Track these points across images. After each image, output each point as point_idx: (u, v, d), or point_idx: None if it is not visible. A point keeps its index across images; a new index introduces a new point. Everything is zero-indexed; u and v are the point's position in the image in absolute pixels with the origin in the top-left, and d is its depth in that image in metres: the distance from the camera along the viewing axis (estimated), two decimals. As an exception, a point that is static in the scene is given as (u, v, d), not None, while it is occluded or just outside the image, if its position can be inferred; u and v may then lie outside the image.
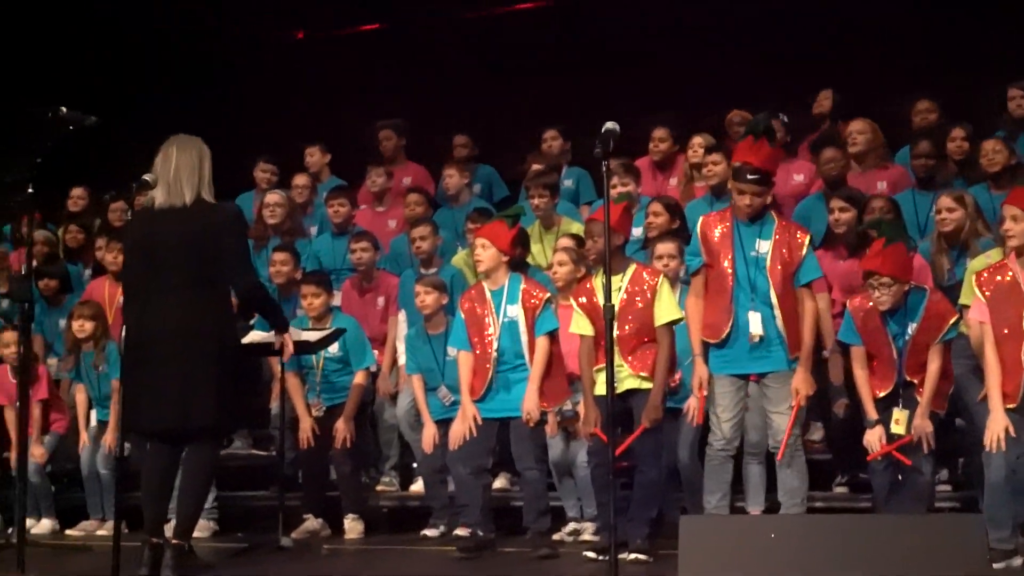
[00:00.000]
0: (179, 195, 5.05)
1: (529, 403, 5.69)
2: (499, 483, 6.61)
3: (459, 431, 5.84)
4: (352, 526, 6.63)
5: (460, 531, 6.18)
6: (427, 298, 6.36)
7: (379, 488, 7.07)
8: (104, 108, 5.69)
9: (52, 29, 10.58)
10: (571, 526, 6.20)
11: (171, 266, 5.00)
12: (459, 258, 7.23)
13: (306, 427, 6.62)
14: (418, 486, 7.05)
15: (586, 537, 6.07)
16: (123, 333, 5.01)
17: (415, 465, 7.28)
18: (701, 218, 5.61)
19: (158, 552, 4.98)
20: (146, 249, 5.04)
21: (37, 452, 7.01)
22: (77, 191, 8.88)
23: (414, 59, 10.62)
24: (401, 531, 6.79)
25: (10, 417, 7.06)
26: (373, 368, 6.85)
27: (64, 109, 5.15)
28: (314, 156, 8.54)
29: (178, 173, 5.06)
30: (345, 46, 11.26)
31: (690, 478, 5.78)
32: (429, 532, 6.49)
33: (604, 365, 4.86)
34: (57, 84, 9.35)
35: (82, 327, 7.00)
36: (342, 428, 6.54)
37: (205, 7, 10.92)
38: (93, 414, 7.14)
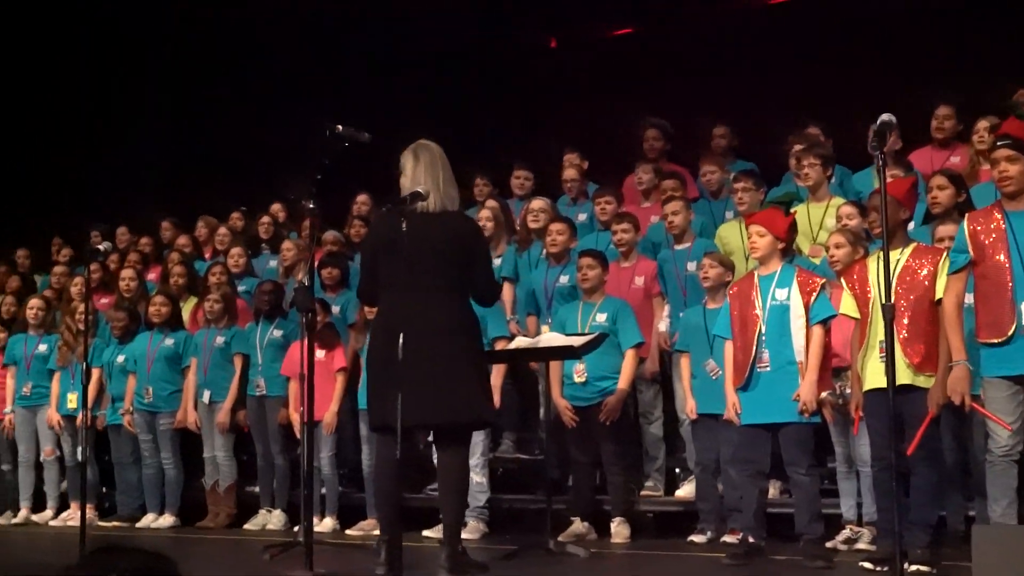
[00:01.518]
0: (438, 202, 5.19)
1: (807, 393, 5.52)
2: (770, 491, 6.46)
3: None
4: (618, 530, 6.65)
5: (729, 537, 6.10)
6: (711, 271, 6.36)
7: (643, 492, 7.06)
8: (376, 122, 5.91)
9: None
10: (845, 533, 6.02)
11: (429, 268, 5.12)
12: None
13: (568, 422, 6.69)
14: (683, 491, 7.03)
15: (862, 546, 5.88)
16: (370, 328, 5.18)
17: (678, 471, 7.27)
18: (967, 214, 5.29)
19: (394, 551, 5.07)
20: (399, 249, 5.10)
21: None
22: (362, 197, 9.32)
23: (668, 60, 10.57)
24: (667, 535, 6.76)
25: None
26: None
27: (340, 127, 5.36)
28: (573, 162, 8.61)
29: (437, 183, 5.22)
30: (598, 51, 11.32)
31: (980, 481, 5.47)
32: (696, 538, 6.43)
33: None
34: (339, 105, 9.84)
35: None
36: (611, 404, 6.55)
37: (461, 20, 11.23)
38: None
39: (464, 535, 6.56)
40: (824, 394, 5.64)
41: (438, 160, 5.29)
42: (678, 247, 7.24)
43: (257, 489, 8.08)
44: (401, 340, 4.90)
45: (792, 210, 6.05)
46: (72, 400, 8.50)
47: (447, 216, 5.24)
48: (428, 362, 5.01)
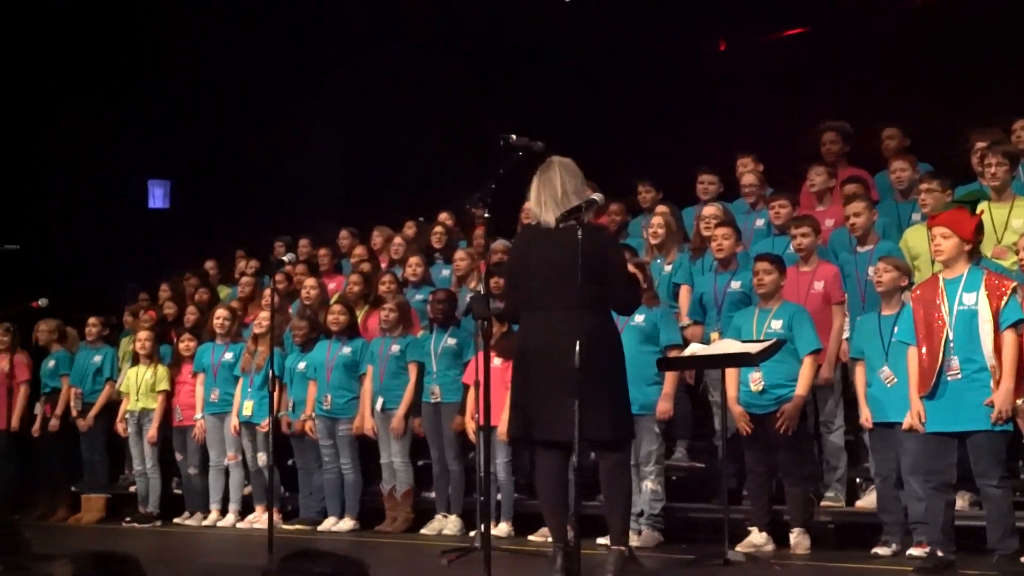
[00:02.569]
0: (564, 217, 5.18)
1: (1003, 401, 5.31)
2: (958, 504, 6.22)
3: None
4: (798, 541, 6.50)
5: (915, 550, 5.90)
6: (885, 276, 6.18)
7: (824, 503, 6.88)
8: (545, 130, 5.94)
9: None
10: (1042, 549, 5.74)
11: (564, 284, 5.17)
12: None
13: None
14: (864, 501, 6.83)
15: (1060, 562, 5.60)
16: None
17: (859, 480, 7.07)
18: None
19: (569, 558, 5.11)
20: (537, 265, 5.27)
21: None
22: (530, 204, 9.35)
23: (841, 60, 10.32)
24: (849, 547, 6.58)
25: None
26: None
27: (514, 136, 5.41)
28: (748, 167, 8.48)
29: (567, 195, 5.27)
30: (769, 52, 11.14)
31: None
32: (880, 550, 6.23)
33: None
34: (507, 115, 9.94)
35: None
36: (789, 412, 6.43)
37: (630, 27, 11.22)
38: None
39: (638, 543, 6.55)
40: (1020, 401, 5.40)
41: (557, 174, 5.33)
42: (860, 250, 7.05)
43: (433, 495, 8.21)
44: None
45: (978, 210, 5.82)
46: (248, 408, 8.80)
47: (573, 229, 5.16)
48: (557, 379, 5.06)
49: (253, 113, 13.08)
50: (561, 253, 5.17)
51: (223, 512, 9.10)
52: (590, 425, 5.04)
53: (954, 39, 9.89)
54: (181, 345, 9.50)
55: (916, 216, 7.43)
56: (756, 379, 6.54)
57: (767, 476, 6.65)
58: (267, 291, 9.14)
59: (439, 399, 8.00)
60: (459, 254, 8.95)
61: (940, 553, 5.47)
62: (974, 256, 5.71)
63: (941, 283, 5.57)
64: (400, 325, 8.34)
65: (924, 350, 5.55)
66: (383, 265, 9.84)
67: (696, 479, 7.61)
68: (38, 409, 10.01)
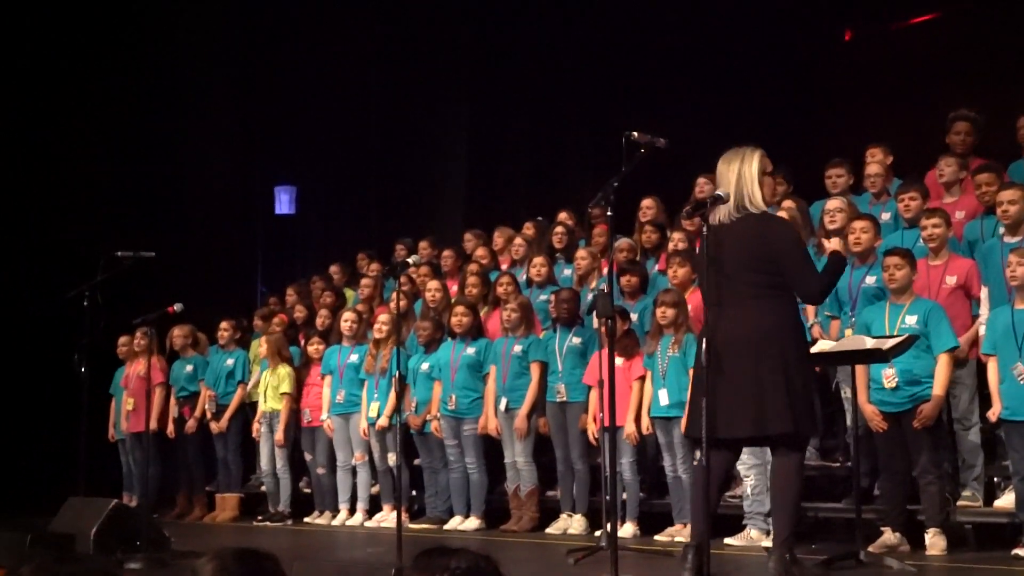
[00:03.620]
0: (738, 208, 5.21)
1: None
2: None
3: None
4: (934, 541, 6.33)
5: (1058, 552, 5.70)
6: (1019, 269, 5.99)
7: (960, 502, 6.68)
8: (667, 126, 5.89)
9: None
10: None
11: (738, 276, 5.14)
12: None
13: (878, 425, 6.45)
14: (1002, 501, 6.62)
15: None
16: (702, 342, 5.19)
17: (996, 479, 6.86)
18: None
19: (700, 556, 5.06)
20: (717, 262, 5.22)
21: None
22: (647, 201, 9.32)
23: (973, 47, 10.01)
24: (988, 548, 6.38)
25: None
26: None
27: (636, 133, 5.39)
28: (876, 157, 8.28)
29: (739, 187, 5.21)
30: (896, 41, 10.87)
31: None
32: (1021, 551, 6.04)
33: None
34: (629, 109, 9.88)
35: (664, 314, 7.37)
36: (927, 412, 6.28)
37: (752, 18, 11.07)
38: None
39: (765, 543, 6.46)
40: None
41: (734, 165, 5.27)
42: (1009, 239, 6.78)
43: (558, 494, 8.21)
44: (703, 349, 5.06)
45: None
46: (374, 409, 8.92)
47: (749, 220, 5.18)
48: (734, 374, 5.05)
49: (375, 116, 13.28)
50: (730, 245, 5.19)
51: (352, 511, 9.25)
52: (771, 418, 5.03)
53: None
54: (310, 348, 9.69)
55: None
56: (889, 376, 6.38)
57: (902, 475, 6.49)
58: (394, 293, 9.30)
59: (564, 398, 8.00)
60: (580, 253, 8.95)
61: (1087, 554, 5.28)
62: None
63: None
64: (522, 325, 8.37)
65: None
66: (503, 266, 9.89)
67: (827, 478, 7.47)
68: (175, 411, 10.30)
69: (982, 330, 6.66)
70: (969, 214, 7.51)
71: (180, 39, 12.70)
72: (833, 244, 5.54)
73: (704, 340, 5.19)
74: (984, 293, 6.81)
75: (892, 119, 9.77)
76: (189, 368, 10.35)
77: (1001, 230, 6.95)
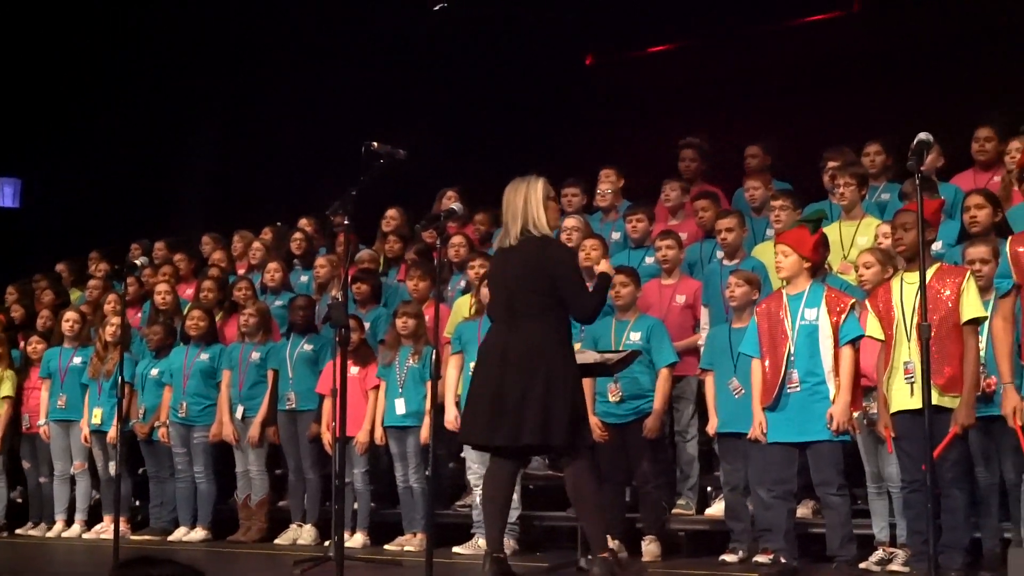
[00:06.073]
0: (507, 235, 5.49)
1: (840, 412, 5.50)
2: (801, 511, 6.42)
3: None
4: (649, 548, 6.62)
5: (761, 557, 6.06)
6: (737, 290, 6.34)
7: (675, 511, 7.02)
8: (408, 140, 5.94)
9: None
10: (879, 554, 5.96)
11: (519, 296, 5.39)
12: None
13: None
14: (713, 509, 6.98)
15: (896, 567, 5.82)
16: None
17: (710, 489, 7.23)
18: (1010, 237, 5.29)
19: (501, 566, 5.25)
20: (502, 280, 5.52)
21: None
22: (391, 212, 9.36)
23: (706, 77, 10.57)
24: (699, 554, 6.72)
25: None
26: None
27: (376, 144, 5.42)
28: (609, 178, 8.60)
29: (525, 212, 5.45)
30: (635, 69, 11.34)
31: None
32: (728, 557, 6.38)
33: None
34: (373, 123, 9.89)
35: (405, 324, 7.41)
36: (651, 427, 6.58)
37: (497, 39, 11.29)
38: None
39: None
40: (856, 414, 5.62)
41: (520, 191, 5.51)
42: (728, 263, 7.19)
43: (288, 504, 8.11)
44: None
45: (821, 228, 6.01)
46: (97, 415, 8.56)
47: (532, 243, 5.44)
48: (502, 385, 5.28)
49: (114, 111, 12.74)
50: (510, 267, 5.47)
51: (69, 522, 8.82)
52: (527, 430, 5.23)
53: (814, 64, 10.21)
54: (29, 348, 9.20)
55: (770, 232, 7.65)
56: (614, 389, 6.64)
57: (623, 484, 6.76)
58: (112, 296, 8.99)
59: (295, 406, 7.91)
60: (319, 261, 8.88)
61: (784, 560, 5.63)
62: (817, 273, 5.90)
63: (785, 298, 5.75)
64: (260, 331, 8.23)
65: (767, 363, 5.72)
66: (240, 271, 9.69)
67: (554, 488, 7.66)
68: None
69: (701, 345, 7.04)
70: (691, 237, 7.92)
71: None
72: (603, 266, 5.79)
73: (481, 352, 5.42)
74: (704, 313, 7.18)
75: (627, 142, 10.18)
76: None
77: (720, 254, 7.36)
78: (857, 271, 6.14)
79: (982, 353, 5.48)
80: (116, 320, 8.51)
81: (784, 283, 5.89)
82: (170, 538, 8.24)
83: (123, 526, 8.05)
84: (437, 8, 11.12)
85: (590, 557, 5.49)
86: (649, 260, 7.54)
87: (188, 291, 9.48)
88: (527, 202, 5.46)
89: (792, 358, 5.62)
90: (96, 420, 8.56)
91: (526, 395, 5.25)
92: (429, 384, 6.56)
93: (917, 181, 4.41)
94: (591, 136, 10.66)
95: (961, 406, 5.18)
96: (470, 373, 6.95)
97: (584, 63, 12.00)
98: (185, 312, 8.67)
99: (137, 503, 8.85)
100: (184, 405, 8.27)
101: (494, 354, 5.39)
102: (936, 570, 4.56)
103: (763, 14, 10.52)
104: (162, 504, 8.49)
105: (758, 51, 10.65)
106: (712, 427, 6.54)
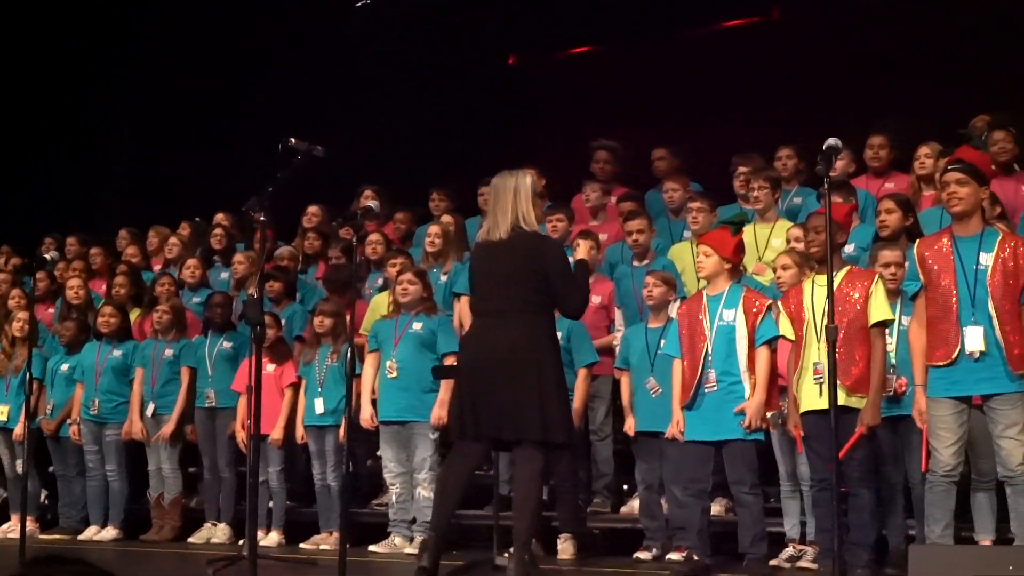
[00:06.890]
0: (496, 228, 5.40)
1: (753, 411, 5.59)
2: (715, 509, 6.51)
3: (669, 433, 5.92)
4: (565, 547, 6.66)
5: (674, 555, 6.13)
6: (655, 290, 6.40)
7: (591, 509, 7.07)
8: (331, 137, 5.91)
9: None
10: (789, 552, 6.07)
11: (507, 291, 5.33)
12: None
13: None
14: (629, 508, 7.05)
15: (805, 564, 5.93)
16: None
17: (625, 487, 7.30)
18: (917, 241, 5.43)
19: (437, 547, 5.23)
20: (489, 275, 5.42)
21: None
22: (313, 208, 9.30)
23: (628, 80, 10.66)
24: (614, 553, 6.78)
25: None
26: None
27: (293, 140, 5.38)
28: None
29: (515, 206, 5.38)
30: (558, 70, 11.39)
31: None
32: (642, 555, 6.45)
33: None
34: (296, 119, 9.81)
35: (322, 323, 7.36)
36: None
37: (419, 37, 11.27)
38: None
39: (411, 549, 6.59)
40: (769, 414, 5.71)
41: (505, 189, 5.43)
42: (638, 264, 7.27)
43: (202, 502, 8.01)
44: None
45: (742, 231, 6.12)
46: (3, 412, 8.39)
47: (523, 237, 5.37)
48: (491, 381, 5.25)
49: (29, 103, 12.46)
50: (497, 262, 5.38)
51: (-21, 522, 8.63)
52: (541, 428, 5.21)
53: (733, 69, 10.35)
54: (-68, 344, 8.98)
55: (687, 234, 7.75)
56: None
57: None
58: (16, 292, 8.81)
59: (214, 403, 7.83)
60: (238, 257, 8.78)
61: (696, 557, 5.71)
62: (736, 274, 6.00)
63: (704, 299, 5.84)
64: (174, 328, 8.12)
65: (686, 363, 5.79)
66: (156, 267, 9.56)
67: (473, 487, 7.67)
68: None
69: (616, 346, 7.10)
70: (612, 238, 7.98)
71: None
72: (581, 252, 5.77)
73: (468, 347, 5.42)
74: (618, 314, 7.25)
75: (547, 143, 10.22)
76: None
77: (631, 255, 7.43)
78: (775, 272, 6.24)
79: (893, 354, 5.62)
80: (23, 315, 8.34)
81: (704, 283, 5.97)
82: (80, 537, 8.10)
83: (31, 525, 7.91)
84: (360, 5, 11.04)
85: (508, 555, 5.49)
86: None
87: (103, 287, 9.32)
88: (517, 196, 5.40)
89: (709, 358, 5.70)
90: (2, 417, 8.38)
91: (524, 393, 5.21)
92: (348, 383, 6.51)
93: (826, 186, 4.50)
94: (513, 136, 10.68)
95: (867, 407, 5.31)
96: (386, 372, 7.00)
97: (507, 63, 12.03)
98: (98, 308, 8.53)
99: (47, 502, 8.68)
100: (96, 402, 8.14)
101: (484, 348, 5.32)
102: (842, 567, 4.67)
103: (685, 18, 10.64)
104: (71, 503, 8.34)
105: (679, 55, 10.76)
106: (630, 426, 6.59)
